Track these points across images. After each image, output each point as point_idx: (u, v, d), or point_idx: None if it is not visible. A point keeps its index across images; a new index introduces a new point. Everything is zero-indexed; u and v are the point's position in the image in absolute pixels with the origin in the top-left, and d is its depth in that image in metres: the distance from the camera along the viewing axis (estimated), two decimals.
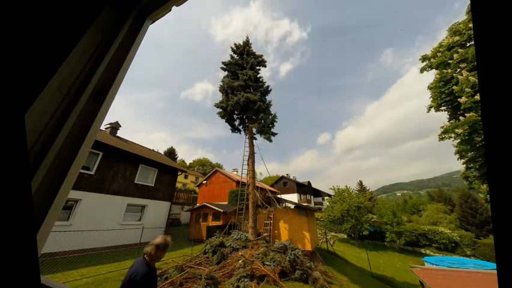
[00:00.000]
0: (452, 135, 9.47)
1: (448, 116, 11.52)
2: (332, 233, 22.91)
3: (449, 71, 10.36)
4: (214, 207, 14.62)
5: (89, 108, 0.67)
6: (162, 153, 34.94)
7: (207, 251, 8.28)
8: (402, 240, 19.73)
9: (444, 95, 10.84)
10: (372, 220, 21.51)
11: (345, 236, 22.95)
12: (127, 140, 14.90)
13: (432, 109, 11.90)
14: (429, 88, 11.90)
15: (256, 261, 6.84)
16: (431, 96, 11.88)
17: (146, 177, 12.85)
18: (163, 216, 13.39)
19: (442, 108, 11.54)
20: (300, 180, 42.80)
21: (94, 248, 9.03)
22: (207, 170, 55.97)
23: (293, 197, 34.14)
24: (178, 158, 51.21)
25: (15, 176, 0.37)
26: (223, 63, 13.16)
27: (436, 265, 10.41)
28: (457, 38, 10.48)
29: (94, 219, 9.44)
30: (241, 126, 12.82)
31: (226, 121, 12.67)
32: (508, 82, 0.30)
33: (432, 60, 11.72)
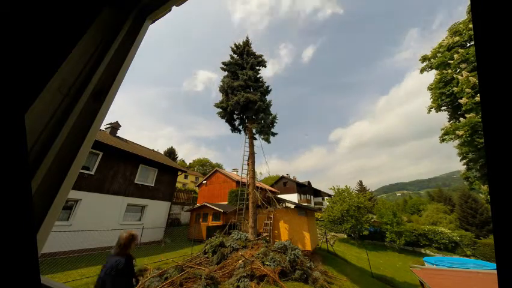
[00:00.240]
0: (453, 136, 9.44)
1: (448, 117, 11.51)
2: (332, 233, 22.90)
3: (450, 71, 10.35)
4: (214, 207, 14.62)
5: (89, 108, 0.67)
6: (162, 153, 34.95)
7: (207, 251, 8.28)
8: (402, 240, 19.72)
9: (444, 96, 10.83)
10: (372, 220, 21.50)
11: (345, 236, 22.94)
12: (127, 140, 14.91)
13: (433, 110, 11.90)
14: (430, 89, 11.90)
15: (256, 261, 6.84)
16: (431, 97, 11.88)
17: (146, 177, 12.85)
18: (163, 216, 13.39)
19: (442, 108, 11.53)
20: (301, 180, 42.82)
21: (94, 248, 9.03)
22: (207, 170, 55.98)
23: (293, 197, 34.13)
24: (178, 158, 51.25)
25: (15, 176, 0.37)
26: (223, 63, 13.16)
27: (436, 265, 10.40)
28: (457, 38, 10.48)
29: (94, 219, 9.44)
30: (241, 126, 12.82)
31: (226, 121, 12.67)
32: (508, 82, 0.30)
33: (432, 60, 11.72)
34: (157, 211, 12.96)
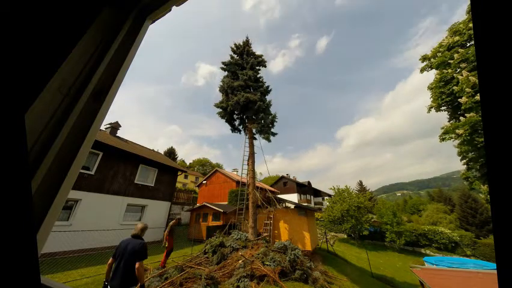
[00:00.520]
0: (453, 135, 9.45)
1: (448, 116, 11.51)
2: (332, 233, 22.91)
3: (450, 71, 10.34)
4: (214, 207, 14.62)
5: (89, 108, 0.67)
6: (162, 153, 34.96)
7: (207, 251, 8.28)
8: (402, 240, 19.73)
9: (444, 95, 10.83)
10: (372, 220, 21.50)
11: (345, 236, 22.95)
12: (127, 140, 14.91)
13: (433, 109, 11.90)
14: (430, 88, 11.90)
15: (256, 261, 6.84)
16: (431, 97, 11.87)
17: (146, 177, 12.85)
18: (163, 216, 13.39)
19: (442, 108, 11.53)
20: (301, 180, 42.83)
21: (94, 248, 9.03)
22: (206, 170, 56.01)
23: (293, 197, 34.14)
24: (178, 158, 51.26)
25: (15, 176, 0.37)
26: (223, 63, 13.16)
27: (436, 265, 10.40)
28: (457, 38, 10.47)
29: (94, 219, 9.44)
30: (241, 126, 12.82)
31: (226, 121, 12.67)
32: (508, 82, 0.30)
33: (432, 60, 11.71)
34: (157, 211, 12.96)
